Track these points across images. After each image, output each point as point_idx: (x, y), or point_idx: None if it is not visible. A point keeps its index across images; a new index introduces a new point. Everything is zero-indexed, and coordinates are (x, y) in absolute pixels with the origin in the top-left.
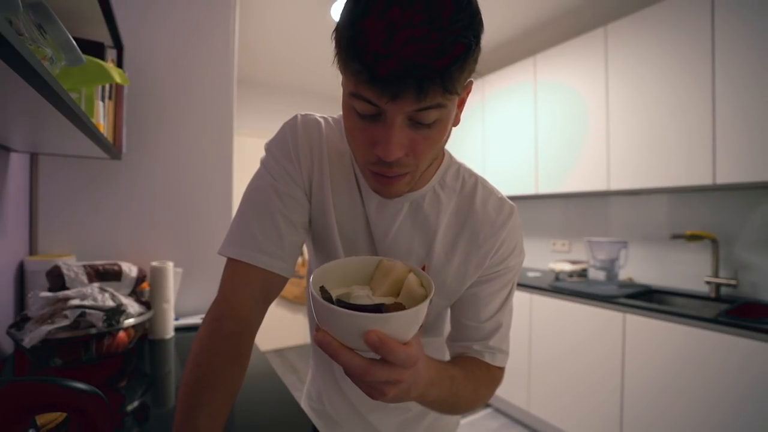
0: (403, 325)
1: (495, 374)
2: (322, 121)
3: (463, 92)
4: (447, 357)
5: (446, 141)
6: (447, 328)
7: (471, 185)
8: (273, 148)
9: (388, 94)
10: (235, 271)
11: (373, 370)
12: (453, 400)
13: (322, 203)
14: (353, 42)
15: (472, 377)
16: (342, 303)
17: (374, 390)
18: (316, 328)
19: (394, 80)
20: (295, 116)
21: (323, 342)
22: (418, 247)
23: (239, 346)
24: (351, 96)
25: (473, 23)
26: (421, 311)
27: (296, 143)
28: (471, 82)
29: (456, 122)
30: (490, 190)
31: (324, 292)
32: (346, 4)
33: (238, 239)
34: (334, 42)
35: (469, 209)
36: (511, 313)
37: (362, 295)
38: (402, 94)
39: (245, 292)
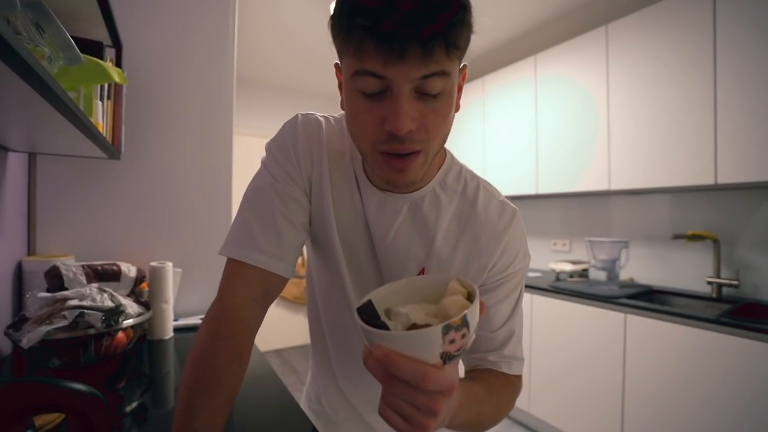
0: (411, 345)
1: (514, 384)
2: (322, 120)
3: (460, 76)
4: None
5: (452, 121)
6: None
7: (473, 187)
8: (273, 147)
9: (395, 52)
10: (234, 271)
11: (434, 375)
12: (478, 420)
13: (322, 203)
14: (354, 10)
15: (494, 391)
16: (371, 321)
17: (418, 421)
18: (366, 350)
19: (400, 33)
20: (296, 116)
21: (381, 355)
22: (417, 248)
23: (238, 346)
24: (354, 76)
25: None
26: (430, 335)
27: (296, 143)
28: (466, 66)
29: (457, 108)
30: (491, 193)
31: (368, 308)
32: None
33: (238, 239)
34: (330, 30)
35: (470, 212)
36: (522, 319)
37: (403, 313)
38: (409, 50)
39: (244, 292)
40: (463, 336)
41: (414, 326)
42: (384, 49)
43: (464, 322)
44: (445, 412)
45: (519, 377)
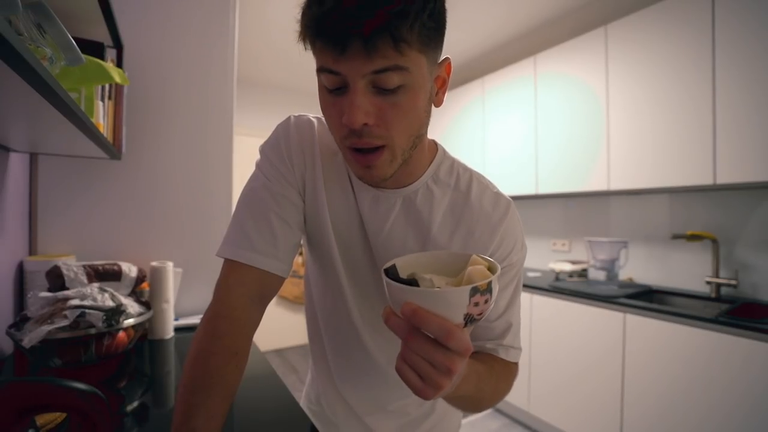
0: (440, 302)
1: (511, 369)
2: (315, 120)
3: (440, 70)
4: None
5: (425, 116)
6: None
7: (466, 180)
8: (266, 149)
9: (338, 48)
10: (230, 271)
11: (457, 333)
12: (478, 396)
13: (316, 202)
14: (305, 9)
15: (494, 372)
16: (398, 278)
17: (433, 380)
18: (388, 310)
19: (339, 29)
20: (289, 117)
21: (409, 310)
22: (412, 243)
23: (234, 345)
24: (318, 73)
25: None
26: (459, 294)
27: (288, 144)
28: (448, 59)
29: (438, 103)
30: (485, 185)
31: (392, 272)
32: None
33: (233, 240)
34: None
35: (464, 205)
36: (520, 310)
37: (427, 278)
38: (350, 44)
39: (240, 291)
40: (486, 301)
41: None
42: (330, 45)
43: (489, 288)
44: (457, 375)
45: (516, 364)
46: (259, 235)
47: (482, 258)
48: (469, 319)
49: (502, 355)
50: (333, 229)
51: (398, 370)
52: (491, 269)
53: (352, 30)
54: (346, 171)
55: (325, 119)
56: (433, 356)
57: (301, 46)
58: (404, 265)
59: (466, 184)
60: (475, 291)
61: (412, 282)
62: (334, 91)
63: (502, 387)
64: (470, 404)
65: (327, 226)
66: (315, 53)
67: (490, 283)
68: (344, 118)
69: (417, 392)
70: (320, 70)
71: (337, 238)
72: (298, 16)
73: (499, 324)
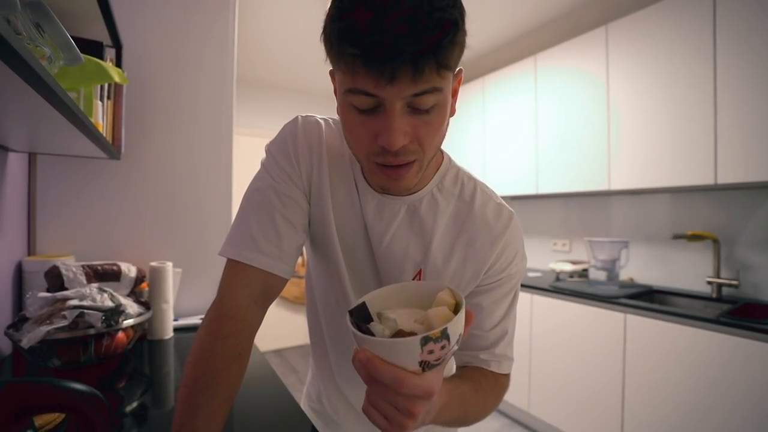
0: (390, 352)
1: (502, 382)
2: (322, 122)
3: (455, 81)
4: (453, 367)
5: (446, 129)
6: None
7: (470, 190)
8: (273, 149)
9: (386, 76)
10: (233, 271)
11: (410, 381)
12: (462, 417)
13: (321, 205)
14: (345, 32)
15: (481, 390)
16: (360, 324)
17: (397, 421)
18: (355, 350)
19: (390, 59)
20: (296, 117)
21: (364, 358)
22: (414, 251)
23: (237, 346)
24: (348, 93)
25: (456, 3)
26: (408, 344)
27: (296, 145)
28: (461, 71)
29: (452, 112)
30: (489, 196)
31: (362, 310)
32: (331, 1)
33: (237, 240)
34: (323, 43)
35: (467, 214)
36: (515, 319)
37: (392, 318)
38: (399, 73)
39: (243, 292)
40: (443, 347)
41: (400, 332)
42: (375, 72)
43: (444, 335)
44: (423, 414)
45: (507, 376)
46: (264, 237)
47: (452, 293)
48: (426, 365)
49: (494, 368)
50: (337, 232)
51: (364, 411)
52: (457, 305)
53: (402, 58)
54: (353, 175)
55: (351, 137)
56: (394, 400)
57: (300, 45)
58: (374, 300)
59: (470, 194)
60: (426, 340)
61: (366, 329)
62: (363, 111)
63: (491, 403)
64: (456, 424)
65: (331, 228)
66: (344, 73)
67: (445, 330)
68: (381, 140)
69: (386, 429)
70: (353, 92)
71: (341, 242)
72: (330, 37)
73: (493, 333)
